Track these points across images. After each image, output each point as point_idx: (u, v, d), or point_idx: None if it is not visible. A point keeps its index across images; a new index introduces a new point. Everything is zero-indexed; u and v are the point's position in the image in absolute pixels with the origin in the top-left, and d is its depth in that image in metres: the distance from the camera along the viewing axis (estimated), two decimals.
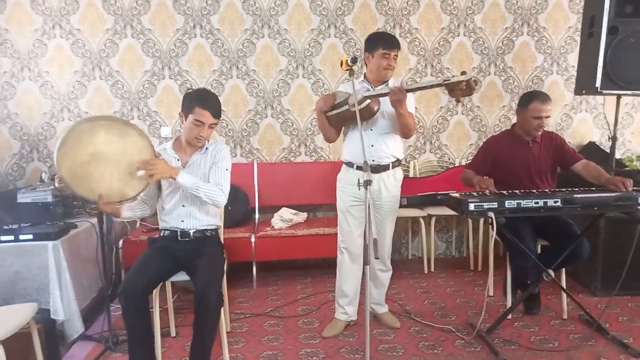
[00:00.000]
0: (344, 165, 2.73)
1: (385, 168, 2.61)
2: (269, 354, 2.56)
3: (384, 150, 2.59)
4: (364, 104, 2.40)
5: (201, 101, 2.25)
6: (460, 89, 2.28)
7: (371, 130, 2.55)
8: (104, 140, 2.14)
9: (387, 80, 2.61)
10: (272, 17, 3.87)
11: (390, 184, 2.65)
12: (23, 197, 2.88)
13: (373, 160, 2.54)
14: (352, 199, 2.65)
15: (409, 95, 2.52)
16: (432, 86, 2.45)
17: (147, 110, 3.87)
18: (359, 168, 2.60)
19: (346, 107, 2.51)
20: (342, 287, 2.77)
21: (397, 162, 2.68)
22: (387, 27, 3.96)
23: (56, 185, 3.02)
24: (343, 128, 2.69)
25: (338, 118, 2.60)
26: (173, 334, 2.76)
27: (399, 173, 2.70)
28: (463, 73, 2.27)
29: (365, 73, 2.66)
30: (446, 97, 4.08)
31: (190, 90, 2.37)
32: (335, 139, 2.73)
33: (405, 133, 2.59)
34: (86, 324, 2.78)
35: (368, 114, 2.46)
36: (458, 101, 2.39)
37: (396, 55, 2.55)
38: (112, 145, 2.15)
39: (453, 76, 2.29)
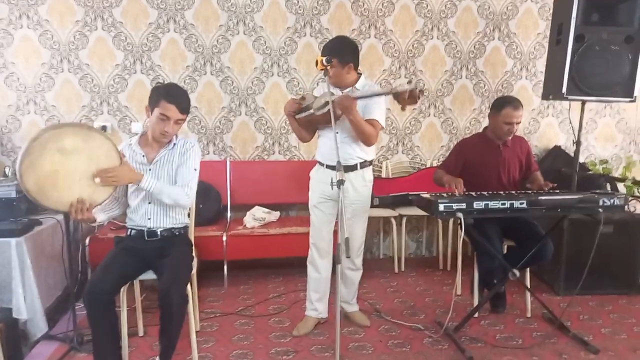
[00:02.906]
0: (317, 164, 2.75)
1: (352, 168, 2.62)
2: (239, 353, 2.55)
3: (349, 153, 2.60)
4: (325, 109, 2.42)
5: (168, 95, 2.19)
6: (402, 99, 2.32)
7: (337, 132, 2.56)
8: (70, 148, 2.03)
9: (353, 85, 2.60)
10: (248, 14, 3.84)
11: (358, 184, 2.66)
12: None
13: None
14: (320, 195, 2.68)
15: (377, 101, 2.55)
16: (379, 94, 2.49)
17: (118, 105, 3.79)
18: (328, 167, 2.62)
19: (311, 111, 2.56)
20: (312, 283, 2.79)
21: (367, 163, 2.69)
22: (362, 27, 3.98)
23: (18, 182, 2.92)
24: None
25: (307, 121, 2.65)
26: (141, 333, 2.72)
27: (367, 173, 2.70)
28: (409, 82, 2.30)
29: None
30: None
31: (159, 84, 2.31)
32: (309, 139, 2.78)
33: (363, 140, 2.55)
34: (50, 324, 2.72)
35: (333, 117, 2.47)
36: (403, 109, 2.42)
37: (331, 65, 2.37)
38: (79, 152, 2.04)
39: (399, 85, 2.33)
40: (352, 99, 2.42)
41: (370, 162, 2.72)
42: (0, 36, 3.59)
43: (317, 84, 3.82)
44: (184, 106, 2.23)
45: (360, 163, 2.65)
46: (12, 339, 2.47)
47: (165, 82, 2.37)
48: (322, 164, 2.70)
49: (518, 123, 2.81)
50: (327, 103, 2.41)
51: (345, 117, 2.48)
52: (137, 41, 3.75)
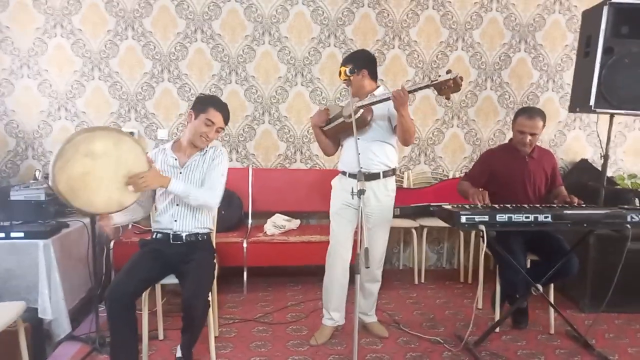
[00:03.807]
0: (339, 173, 2.77)
1: (375, 176, 2.61)
2: None
3: (372, 158, 2.60)
4: (358, 114, 2.44)
5: (216, 104, 2.42)
6: (448, 87, 2.32)
7: (359, 138, 2.56)
8: (101, 151, 2.09)
9: (371, 93, 2.63)
10: (273, 24, 3.90)
11: (380, 193, 2.65)
12: (16, 195, 2.88)
13: (362, 168, 2.55)
14: (341, 202, 2.69)
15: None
16: (424, 87, 2.49)
17: (145, 112, 3.88)
18: (350, 176, 2.63)
19: (341, 119, 2.58)
20: (326, 293, 2.79)
21: (390, 172, 2.67)
22: (386, 38, 4.00)
23: (49, 183, 3.01)
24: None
25: (334, 131, 2.68)
26: (161, 337, 2.75)
27: (390, 183, 2.69)
28: (448, 72, 2.31)
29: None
30: (442, 109, 4.13)
31: (202, 94, 2.54)
32: (334, 152, 2.82)
33: (406, 138, 2.54)
34: (74, 324, 2.77)
35: (362, 124, 2.51)
36: (447, 98, 2.42)
37: (351, 74, 2.54)
38: (109, 155, 2.10)
39: (439, 76, 2.33)
40: (407, 92, 2.41)
41: (394, 171, 2.71)
42: (35, 45, 3.73)
43: (341, 93, 3.86)
44: (227, 117, 2.48)
45: (384, 172, 2.64)
46: (37, 338, 2.53)
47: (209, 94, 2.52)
48: (344, 173, 2.71)
49: (533, 134, 2.74)
50: (357, 109, 2.45)
51: (393, 113, 2.51)
52: (165, 50, 3.84)
